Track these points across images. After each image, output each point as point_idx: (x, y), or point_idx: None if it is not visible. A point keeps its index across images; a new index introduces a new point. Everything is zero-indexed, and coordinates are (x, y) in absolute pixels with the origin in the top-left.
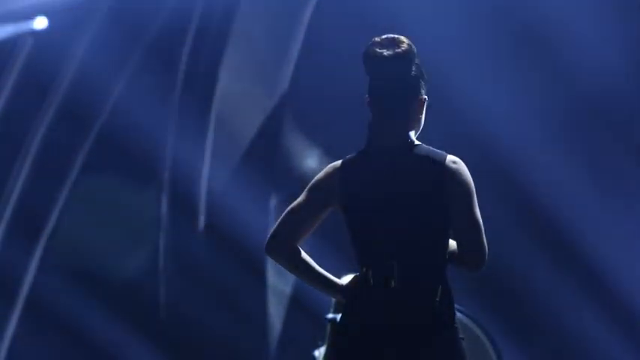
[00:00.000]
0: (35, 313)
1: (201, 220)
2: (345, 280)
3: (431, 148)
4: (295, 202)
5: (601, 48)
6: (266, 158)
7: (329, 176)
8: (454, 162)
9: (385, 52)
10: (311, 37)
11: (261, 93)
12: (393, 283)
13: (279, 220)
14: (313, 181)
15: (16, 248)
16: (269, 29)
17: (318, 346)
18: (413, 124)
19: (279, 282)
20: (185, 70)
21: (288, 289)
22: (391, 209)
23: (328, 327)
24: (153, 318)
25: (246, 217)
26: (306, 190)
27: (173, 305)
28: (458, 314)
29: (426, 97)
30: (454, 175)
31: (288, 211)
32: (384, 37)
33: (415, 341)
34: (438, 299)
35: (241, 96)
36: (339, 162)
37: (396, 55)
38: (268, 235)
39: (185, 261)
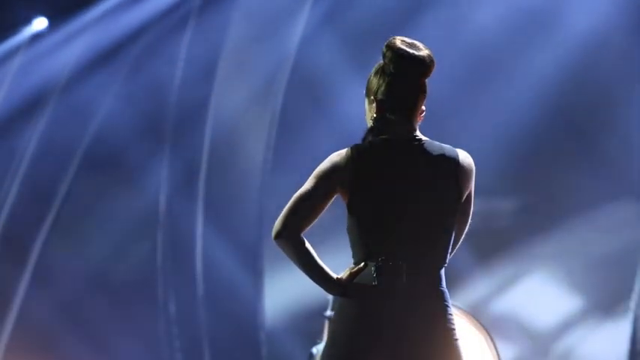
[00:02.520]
0: (33, 310)
1: (200, 220)
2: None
3: (441, 143)
4: (303, 190)
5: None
6: (264, 157)
7: (339, 164)
8: (466, 157)
9: (416, 53)
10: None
11: (261, 90)
12: (399, 283)
13: (287, 208)
14: (321, 168)
15: (14, 245)
16: (267, 25)
17: (316, 343)
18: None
19: (277, 278)
20: (183, 69)
21: (286, 286)
22: (405, 203)
23: (326, 324)
24: (151, 316)
25: (244, 215)
26: (313, 177)
27: (171, 302)
28: (456, 311)
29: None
30: (466, 172)
31: (297, 199)
32: (404, 38)
33: (415, 343)
34: (442, 302)
35: (239, 95)
36: (348, 150)
37: (428, 58)
38: (277, 223)
39: (184, 258)
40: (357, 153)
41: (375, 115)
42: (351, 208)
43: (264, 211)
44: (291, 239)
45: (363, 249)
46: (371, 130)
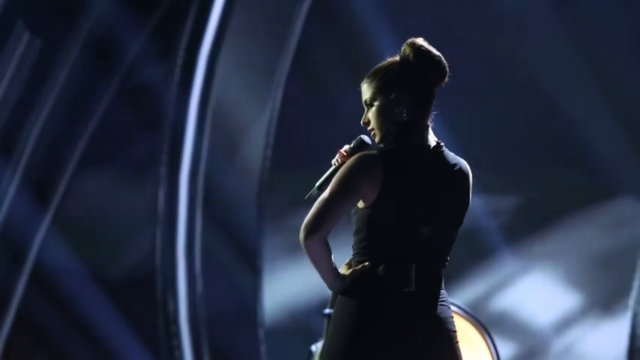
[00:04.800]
0: (32, 306)
1: (199, 215)
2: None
3: (453, 153)
4: (333, 193)
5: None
6: (263, 155)
7: (369, 169)
8: (469, 168)
9: (443, 58)
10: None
11: (259, 88)
12: (408, 287)
13: (319, 211)
14: (351, 172)
15: (12, 243)
16: (266, 24)
17: (315, 341)
18: None
19: (276, 276)
20: (182, 65)
21: (285, 284)
22: (427, 210)
23: (325, 322)
24: (150, 312)
25: (243, 213)
26: (343, 181)
27: (170, 300)
28: (455, 309)
29: None
30: (471, 183)
31: (328, 202)
32: (422, 39)
33: (419, 346)
34: (444, 305)
35: (239, 90)
36: (378, 154)
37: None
38: (308, 225)
39: (183, 256)
40: (388, 158)
41: (401, 112)
42: (372, 212)
43: (263, 209)
44: (320, 242)
45: (373, 250)
46: (398, 129)
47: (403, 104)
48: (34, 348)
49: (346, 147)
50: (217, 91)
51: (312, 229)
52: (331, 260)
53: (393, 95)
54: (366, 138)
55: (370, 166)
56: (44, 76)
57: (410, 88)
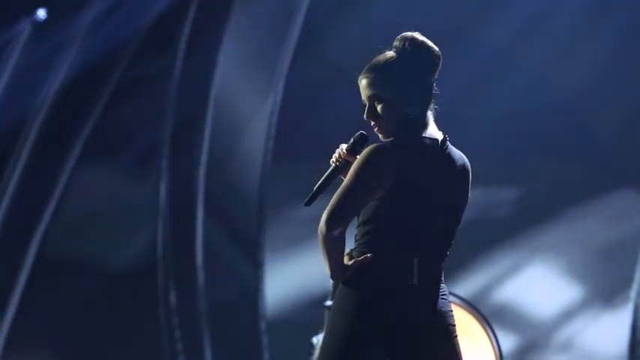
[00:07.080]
0: (32, 302)
1: (200, 207)
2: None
3: (454, 148)
4: (354, 187)
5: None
6: (265, 147)
7: (385, 162)
8: (472, 163)
9: (437, 47)
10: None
11: (261, 80)
12: (410, 280)
13: (339, 206)
14: (369, 166)
15: (12, 239)
16: (268, 16)
17: (316, 333)
18: None
19: (277, 268)
20: (184, 57)
21: (286, 276)
22: (433, 206)
23: (326, 314)
24: (151, 307)
25: (245, 205)
26: (362, 174)
27: (172, 292)
28: (457, 300)
29: None
30: (470, 182)
31: (350, 196)
32: (418, 33)
33: (419, 340)
34: (445, 298)
35: (241, 82)
36: (392, 147)
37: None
38: (329, 218)
39: (184, 248)
40: (402, 152)
41: (415, 109)
42: (382, 204)
43: (264, 201)
44: (339, 237)
45: (378, 242)
46: (407, 125)
47: (415, 101)
48: (35, 338)
49: (343, 145)
50: (219, 83)
51: (334, 224)
52: (343, 254)
53: (404, 92)
54: (365, 133)
55: (386, 158)
56: (47, 68)
57: (418, 84)
